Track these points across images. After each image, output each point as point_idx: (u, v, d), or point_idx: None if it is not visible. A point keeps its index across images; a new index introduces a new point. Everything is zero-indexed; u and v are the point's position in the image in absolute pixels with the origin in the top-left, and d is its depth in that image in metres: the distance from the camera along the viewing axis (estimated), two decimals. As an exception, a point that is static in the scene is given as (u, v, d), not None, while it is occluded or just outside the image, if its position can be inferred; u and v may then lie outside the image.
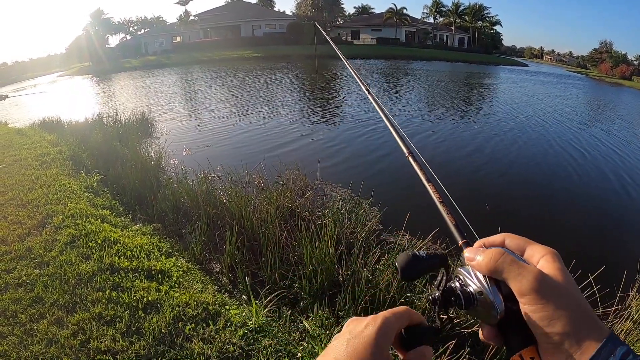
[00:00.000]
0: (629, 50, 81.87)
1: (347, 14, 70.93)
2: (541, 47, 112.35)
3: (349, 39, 64.51)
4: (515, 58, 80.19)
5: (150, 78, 29.95)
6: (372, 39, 63.18)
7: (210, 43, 56.24)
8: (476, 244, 0.64)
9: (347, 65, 2.07)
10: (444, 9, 70.07)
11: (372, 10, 75.05)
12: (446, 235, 3.76)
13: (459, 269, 0.61)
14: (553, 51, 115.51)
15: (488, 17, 71.47)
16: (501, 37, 79.81)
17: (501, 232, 0.62)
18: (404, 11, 61.80)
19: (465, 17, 70.09)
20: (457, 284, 0.60)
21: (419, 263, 0.60)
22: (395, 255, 4.02)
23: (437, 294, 0.61)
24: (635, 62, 67.39)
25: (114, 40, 65.00)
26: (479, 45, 69.77)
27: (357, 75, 1.80)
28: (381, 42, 61.51)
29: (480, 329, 0.60)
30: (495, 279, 0.56)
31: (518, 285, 0.52)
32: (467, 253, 0.61)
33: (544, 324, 0.49)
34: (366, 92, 1.65)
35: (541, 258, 0.55)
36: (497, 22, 72.11)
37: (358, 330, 0.53)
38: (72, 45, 55.26)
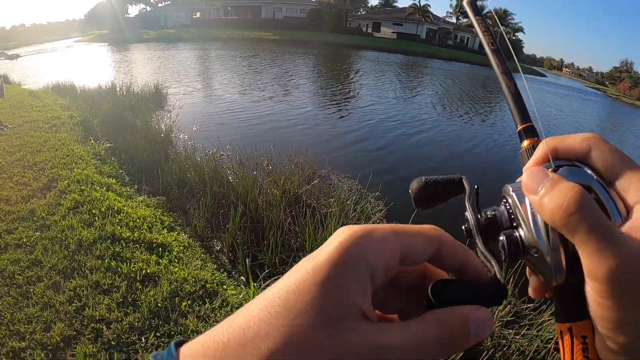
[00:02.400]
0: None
1: (370, 5, 69.84)
2: (561, 59, 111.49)
3: (369, 30, 63.85)
4: (534, 67, 79.22)
5: (167, 51, 29.94)
6: (392, 32, 62.49)
7: (230, 21, 56.07)
8: (541, 147, 0.38)
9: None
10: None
11: (395, 4, 73.82)
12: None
13: (508, 186, 0.38)
14: (573, 64, 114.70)
15: (512, 23, 70.78)
16: (522, 44, 79.10)
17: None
18: (428, 8, 61.05)
19: (489, 20, 69.20)
20: (505, 211, 0.37)
21: (432, 186, 0.41)
22: None
23: (470, 222, 0.38)
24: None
25: (133, 11, 64.80)
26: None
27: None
28: (401, 37, 60.91)
29: (529, 279, 0.39)
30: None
31: (590, 265, 0.30)
32: (525, 177, 0.35)
33: (610, 326, 0.31)
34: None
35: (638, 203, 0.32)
36: (520, 29, 71.17)
37: (316, 250, 0.31)
38: (91, 12, 55.33)
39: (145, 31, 47.38)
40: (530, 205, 0.35)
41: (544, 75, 64.16)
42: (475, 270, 0.35)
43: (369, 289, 0.29)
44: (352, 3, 60.37)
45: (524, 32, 72.70)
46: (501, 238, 0.36)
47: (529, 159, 0.39)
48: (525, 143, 0.42)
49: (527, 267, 0.38)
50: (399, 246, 0.31)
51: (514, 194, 0.37)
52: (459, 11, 68.39)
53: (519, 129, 0.43)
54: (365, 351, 0.27)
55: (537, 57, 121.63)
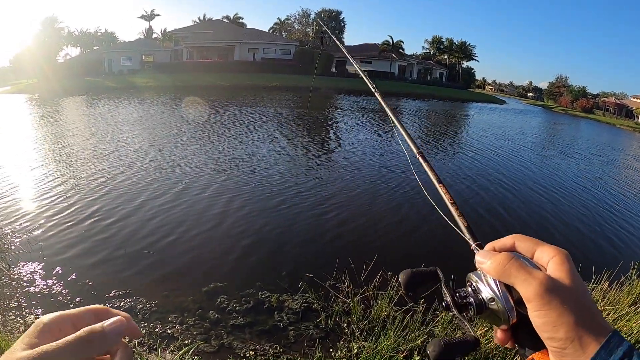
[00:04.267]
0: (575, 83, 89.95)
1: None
2: (483, 77, 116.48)
3: (333, 70, 58.82)
4: (495, 95, 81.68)
5: (93, 109, 23.46)
6: (362, 70, 58.47)
7: (196, 65, 49.08)
8: (487, 246, 0.65)
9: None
10: (442, 46, 68.40)
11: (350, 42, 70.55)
12: None
13: (470, 274, 0.63)
14: (495, 81, 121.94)
15: (474, 54, 71.17)
16: (474, 71, 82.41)
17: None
18: (401, 44, 58.07)
19: (455, 52, 68.98)
20: (470, 289, 0.61)
21: (416, 275, 0.67)
22: None
23: (448, 299, 0.62)
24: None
25: (74, 53, 56.34)
26: (462, 81, 71.68)
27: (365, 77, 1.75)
28: (373, 75, 56.94)
29: (494, 332, 0.62)
30: (507, 284, 0.57)
31: (524, 291, 0.53)
32: (477, 257, 0.62)
33: (549, 329, 0.51)
34: (373, 90, 1.65)
35: (550, 260, 0.56)
36: (473, 58, 73.43)
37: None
38: (17, 58, 46.63)
39: (91, 78, 39.83)
40: (484, 274, 0.60)
41: (504, 102, 65.93)
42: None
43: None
44: (333, 42, 55.88)
45: (477, 61, 73.96)
46: (471, 300, 0.60)
47: None
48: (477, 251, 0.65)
49: (491, 323, 0.60)
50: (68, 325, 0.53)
51: (473, 275, 0.62)
52: (436, 46, 66.66)
53: (472, 246, 0.68)
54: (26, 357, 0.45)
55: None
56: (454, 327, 4.15)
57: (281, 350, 4.23)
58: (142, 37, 60.10)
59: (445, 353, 0.60)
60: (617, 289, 5.18)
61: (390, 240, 7.04)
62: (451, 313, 0.62)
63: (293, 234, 7.29)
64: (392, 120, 1.24)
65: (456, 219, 0.77)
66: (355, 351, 3.98)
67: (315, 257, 6.51)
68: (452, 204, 0.81)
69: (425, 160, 0.98)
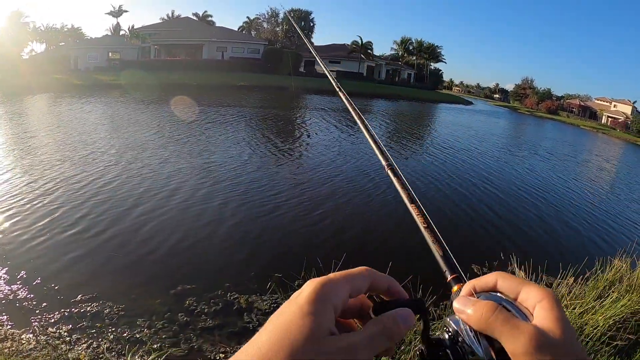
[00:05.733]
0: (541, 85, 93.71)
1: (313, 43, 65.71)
2: (450, 79, 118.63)
3: (302, 70, 58.54)
4: (463, 96, 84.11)
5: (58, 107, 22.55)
6: (330, 70, 58.58)
7: (162, 63, 47.86)
8: (465, 287, 0.58)
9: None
10: (411, 47, 69.35)
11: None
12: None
13: (447, 319, 0.56)
14: (462, 83, 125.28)
15: (442, 55, 72.57)
16: (441, 72, 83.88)
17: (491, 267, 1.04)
18: (370, 45, 58.49)
19: (423, 54, 70.02)
20: (446, 336, 0.54)
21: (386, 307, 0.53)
22: None
23: (422, 347, 0.55)
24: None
25: (40, 50, 54.09)
26: (430, 82, 72.71)
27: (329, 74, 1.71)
28: (341, 76, 57.25)
29: None
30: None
31: (511, 347, 0.48)
32: (456, 303, 0.55)
33: None
34: (342, 95, 1.47)
35: (537, 304, 0.52)
36: (441, 60, 75.17)
37: (293, 297, 0.49)
38: None
39: (57, 76, 38.34)
40: (463, 323, 0.53)
41: (471, 103, 67.36)
42: (399, 291, 0.55)
43: (333, 318, 0.46)
44: (302, 42, 55.66)
45: (444, 62, 75.25)
46: (448, 351, 0.52)
47: None
48: (455, 288, 0.59)
49: None
50: (348, 287, 0.49)
51: (451, 321, 0.54)
52: (404, 48, 67.40)
53: (448, 279, 0.62)
54: (335, 351, 0.43)
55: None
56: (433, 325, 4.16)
57: (252, 351, 4.20)
58: (110, 33, 58.44)
59: None
60: (582, 284, 5.36)
61: (360, 241, 7.11)
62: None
63: (261, 235, 7.26)
64: (360, 127, 1.14)
65: (430, 246, 0.69)
66: (326, 350, 3.98)
67: (283, 257, 6.51)
68: (425, 228, 0.72)
69: (395, 175, 0.88)
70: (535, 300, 0.52)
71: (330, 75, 1.75)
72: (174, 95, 28.96)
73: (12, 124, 16.83)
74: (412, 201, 0.78)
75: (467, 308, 0.53)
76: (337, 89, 1.59)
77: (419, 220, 0.74)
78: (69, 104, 23.61)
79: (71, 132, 15.24)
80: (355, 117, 1.19)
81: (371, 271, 0.53)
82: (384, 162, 0.95)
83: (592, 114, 66.39)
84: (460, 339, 0.52)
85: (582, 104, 70.67)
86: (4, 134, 14.44)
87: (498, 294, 0.55)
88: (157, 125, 17.39)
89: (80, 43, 52.44)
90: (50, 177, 9.38)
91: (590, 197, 12.86)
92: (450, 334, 0.54)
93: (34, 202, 7.84)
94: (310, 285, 0.48)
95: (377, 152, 0.99)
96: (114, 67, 46.56)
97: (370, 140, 1.05)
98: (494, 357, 0.50)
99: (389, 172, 0.90)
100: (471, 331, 0.52)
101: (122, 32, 57.41)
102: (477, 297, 0.55)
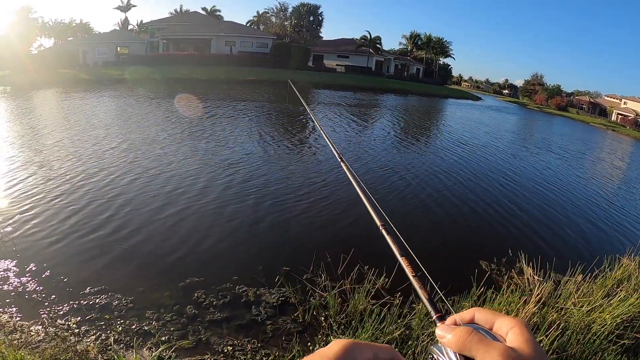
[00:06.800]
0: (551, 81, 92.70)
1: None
2: (459, 74, 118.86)
3: (310, 64, 58.36)
4: (471, 92, 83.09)
5: (68, 102, 22.73)
6: (337, 65, 58.45)
7: (172, 58, 47.98)
8: (448, 320, 0.68)
9: (323, 134, 2.14)
10: (420, 42, 68.76)
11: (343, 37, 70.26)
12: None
13: (431, 346, 0.65)
14: (471, 78, 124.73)
15: (451, 51, 71.87)
16: (451, 68, 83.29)
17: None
18: (379, 40, 58.10)
19: (432, 49, 69.44)
20: None
21: None
22: None
23: None
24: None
25: (49, 45, 54.36)
26: (439, 77, 72.11)
27: (331, 144, 1.91)
28: (350, 70, 57.09)
29: None
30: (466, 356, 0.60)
31: None
32: (438, 331, 0.65)
33: None
34: (339, 159, 1.69)
35: (509, 330, 0.59)
36: (450, 55, 74.23)
37: (318, 352, 0.56)
38: None
39: (65, 70, 38.57)
40: (444, 347, 0.62)
41: (480, 98, 66.54)
42: None
43: None
44: (311, 37, 55.47)
45: (454, 58, 74.58)
46: None
47: None
48: (439, 324, 0.67)
49: None
50: (370, 355, 0.58)
51: (434, 348, 0.64)
52: (413, 42, 66.93)
53: (433, 318, 0.71)
54: None
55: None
56: (430, 320, 4.21)
57: (259, 345, 4.22)
58: (118, 28, 58.64)
59: None
60: (590, 282, 5.34)
61: (367, 235, 7.09)
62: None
63: (269, 229, 7.26)
64: (358, 191, 1.29)
65: (418, 292, 0.79)
66: (333, 344, 3.99)
67: (292, 251, 6.51)
68: (414, 276, 0.82)
69: (388, 233, 1.00)
70: (507, 328, 0.60)
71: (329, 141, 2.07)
72: (183, 89, 29.16)
73: (23, 118, 16.97)
74: (402, 254, 0.89)
75: (447, 333, 0.62)
76: (339, 158, 1.75)
77: (408, 270, 0.84)
78: (78, 99, 23.78)
79: (82, 125, 15.36)
80: (353, 181, 1.34)
81: (396, 352, 0.62)
82: (378, 223, 1.07)
83: (601, 111, 65.60)
84: None
85: (591, 100, 69.87)
86: (17, 129, 14.55)
87: (475, 325, 0.64)
88: (166, 119, 17.47)
89: (88, 38, 52.77)
90: (60, 172, 9.45)
91: (600, 194, 12.71)
92: (433, 358, 0.64)
93: (44, 197, 7.90)
94: (338, 344, 0.56)
95: (371, 212, 1.13)
96: (122, 62, 46.90)
97: (365, 201, 1.21)
98: None
99: (383, 230, 1.03)
100: (452, 353, 0.61)
101: (130, 27, 57.70)
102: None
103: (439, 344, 0.64)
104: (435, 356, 0.63)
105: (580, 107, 69.14)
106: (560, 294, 5.00)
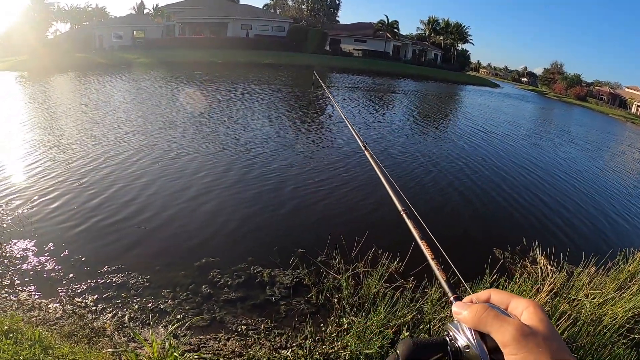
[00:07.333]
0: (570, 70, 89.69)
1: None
2: (478, 60, 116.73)
3: (327, 48, 57.83)
4: (490, 79, 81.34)
5: (86, 85, 22.96)
6: (354, 49, 57.81)
7: (188, 41, 48.06)
8: (465, 299, 0.70)
9: (347, 123, 2.15)
10: (438, 27, 67.51)
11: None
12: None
13: (448, 324, 0.68)
14: (489, 65, 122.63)
15: (469, 36, 70.52)
16: (469, 53, 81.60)
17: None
18: (396, 24, 57.27)
19: (450, 34, 68.18)
20: (447, 339, 0.66)
21: (423, 349, 0.66)
22: None
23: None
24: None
25: (65, 29, 54.71)
26: (457, 63, 70.99)
27: (355, 133, 1.83)
28: (367, 54, 56.46)
29: None
30: (481, 333, 0.62)
31: (500, 337, 0.58)
32: (454, 308, 0.68)
33: None
34: (363, 148, 1.69)
35: (524, 310, 0.61)
36: (469, 40, 72.80)
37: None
38: (5, 36, 45.23)
39: (82, 55, 38.90)
40: (460, 324, 0.65)
41: (498, 85, 65.50)
42: None
43: None
44: (328, 20, 54.93)
45: (472, 44, 73.10)
46: (448, 348, 0.65)
47: None
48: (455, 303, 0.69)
49: None
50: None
51: (450, 325, 0.67)
52: (431, 27, 65.85)
53: (450, 299, 0.72)
54: None
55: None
56: (442, 305, 4.24)
57: (272, 324, 4.30)
58: (134, 12, 58.66)
59: (414, 353, 0.66)
60: (603, 274, 5.30)
61: (382, 220, 7.09)
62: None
63: (285, 211, 7.32)
64: (379, 175, 1.29)
65: (437, 274, 0.82)
66: (345, 326, 4.06)
67: (306, 233, 6.56)
68: (432, 259, 0.85)
69: (409, 217, 1.02)
70: (522, 308, 0.62)
71: (348, 121, 2.14)
72: (200, 73, 29.20)
73: (43, 102, 17.20)
74: (422, 238, 0.92)
75: (463, 310, 0.65)
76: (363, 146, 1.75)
77: (427, 253, 0.88)
78: (97, 82, 24.01)
79: (102, 109, 15.57)
80: (375, 167, 1.35)
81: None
82: (400, 208, 1.10)
83: (621, 103, 63.77)
84: (457, 339, 0.65)
85: (611, 91, 67.90)
86: (37, 113, 14.78)
87: (490, 304, 0.65)
88: (185, 102, 17.56)
89: (104, 22, 52.99)
90: (81, 154, 9.63)
91: (618, 187, 12.42)
92: (449, 336, 0.66)
93: (64, 179, 8.07)
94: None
95: (393, 196, 1.15)
96: (138, 46, 47.14)
97: (387, 187, 1.21)
98: (487, 352, 0.61)
99: (404, 215, 1.06)
100: (467, 329, 0.63)
101: (146, 11, 57.56)
102: None
103: (455, 321, 0.66)
104: (451, 333, 0.66)
105: (600, 98, 67.37)
106: (573, 285, 4.97)
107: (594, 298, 4.57)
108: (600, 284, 4.98)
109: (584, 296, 4.65)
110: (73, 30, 52.09)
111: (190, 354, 3.57)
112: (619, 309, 4.28)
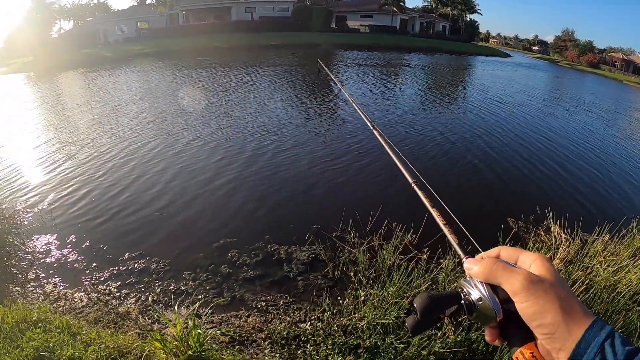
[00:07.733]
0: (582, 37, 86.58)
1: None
2: (487, 30, 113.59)
3: (333, 25, 56.91)
4: (499, 48, 79.69)
5: (95, 80, 23.07)
6: (360, 25, 56.90)
7: (193, 28, 47.74)
8: (476, 257, 0.74)
9: (354, 105, 2.10)
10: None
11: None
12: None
13: (461, 280, 0.72)
14: (499, 34, 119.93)
15: (477, 6, 68.77)
16: (477, 24, 79.40)
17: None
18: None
19: (457, 5, 66.46)
20: (461, 295, 0.69)
21: (439, 302, 0.69)
22: None
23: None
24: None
25: (68, 27, 54.75)
26: (466, 34, 69.05)
27: (363, 114, 1.78)
28: (374, 30, 55.54)
29: (485, 333, 0.69)
30: (493, 286, 0.66)
31: (510, 287, 0.62)
32: (466, 264, 0.72)
33: (537, 317, 0.59)
34: (371, 127, 1.67)
35: (532, 262, 0.65)
36: (476, 10, 70.87)
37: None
38: (11, 37, 45.51)
39: (87, 50, 39.02)
40: (472, 279, 0.69)
41: (509, 55, 63.67)
42: None
43: None
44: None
45: (480, 14, 70.97)
46: (462, 302, 0.68)
47: None
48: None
49: (480, 322, 0.68)
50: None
51: (463, 281, 0.71)
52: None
53: (463, 259, 0.75)
54: None
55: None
56: (456, 275, 4.30)
57: (291, 299, 4.42)
58: (136, 3, 58.39)
59: (431, 305, 0.68)
60: (617, 242, 5.27)
61: (395, 193, 7.13)
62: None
63: (300, 189, 7.43)
64: (387, 150, 1.30)
65: (448, 237, 0.86)
66: (362, 298, 4.16)
67: (321, 210, 6.66)
68: (444, 224, 0.89)
69: (420, 189, 1.04)
70: (530, 261, 0.66)
71: (355, 102, 2.06)
72: (207, 59, 29.11)
73: (53, 101, 17.39)
74: (433, 206, 0.95)
75: (474, 265, 0.70)
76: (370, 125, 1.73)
77: (439, 219, 0.91)
78: (106, 76, 24.06)
79: (114, 102, 15.73)
80: (383, 143, 1.38)
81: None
82: (410, 180, 1.12)
83: (635, 69, 61.62)
84: (470, 293, 0.68)
85: (625, 57, 65.53)
86: (48, 112, 14.98)
87: (499, 259, 0.70)
88: (196, 89, 17.61)
89: (107, 16, 52.86)
90: (93, 145, 9.81)
91: (634, 155, 12.21)
92: (463, 292, 0.69)
93: (80, 173, 8.26)
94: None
95: (403, 170, 1.16)
96: (143, 37, 47.02)
97: (397, 161, 1.21)
98: (499, 302, 0.65)
99: (415, 187, 1.08)
100: (480, 283, 0.67)
101: (148, 1, 57.21)
102: None
103: (468, 277, 0.71)
104: (465, 289, 0.69)
105: (613, 64, 65.19)
106: (587, 253, 4.95)
107: (608, 265, 4.55)
108: (615, 251, 4.96)
109: (597, 264, 4.63)
110: (77, 27, 52.05)
111: (213, 330, 3.71)
112: (633, 276, 4.26)
